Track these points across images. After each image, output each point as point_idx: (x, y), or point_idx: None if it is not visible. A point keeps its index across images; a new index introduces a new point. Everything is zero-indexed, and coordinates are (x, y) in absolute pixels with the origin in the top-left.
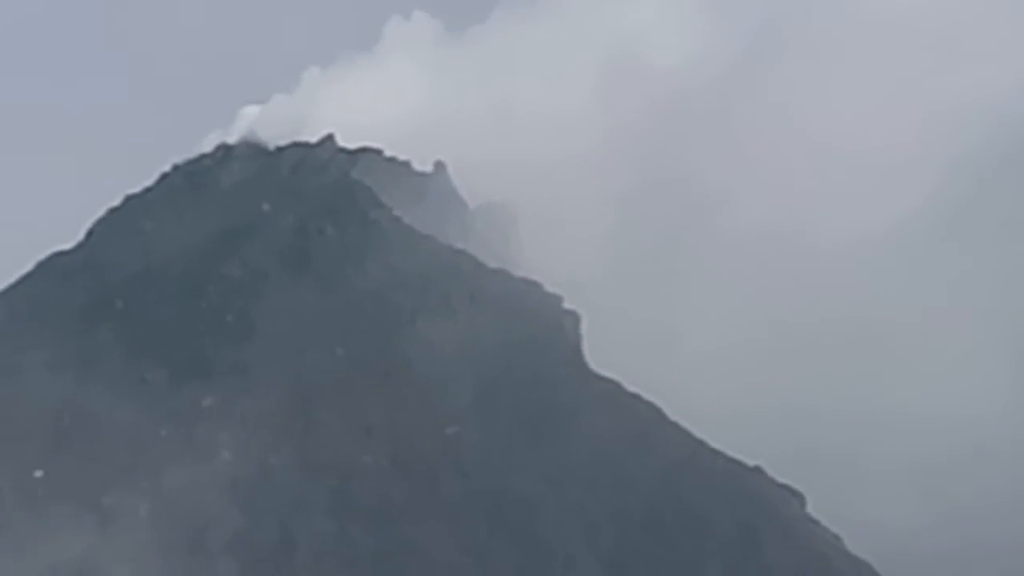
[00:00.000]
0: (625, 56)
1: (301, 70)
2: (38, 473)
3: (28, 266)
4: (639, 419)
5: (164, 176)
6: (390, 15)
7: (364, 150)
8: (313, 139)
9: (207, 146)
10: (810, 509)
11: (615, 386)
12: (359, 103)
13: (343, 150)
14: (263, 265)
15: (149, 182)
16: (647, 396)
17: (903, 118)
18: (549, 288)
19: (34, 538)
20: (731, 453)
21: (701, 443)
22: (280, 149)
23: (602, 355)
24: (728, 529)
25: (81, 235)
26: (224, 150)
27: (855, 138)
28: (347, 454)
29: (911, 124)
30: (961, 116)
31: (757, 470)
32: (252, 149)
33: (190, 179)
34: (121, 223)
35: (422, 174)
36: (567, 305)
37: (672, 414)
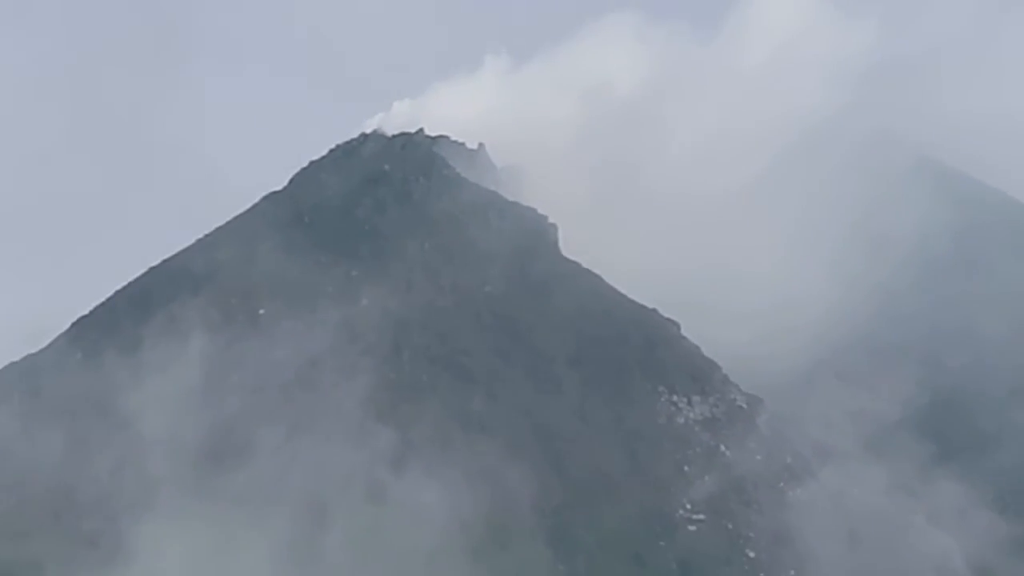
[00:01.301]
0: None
1: (427, 83)
2: None
3: (250, 203)
4: (590, 283)
5: (334, 148)
6: (484, 55)
7: (441, 136)
8: (413, 130)
9: (362, 129)
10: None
11: (575, 264)
12: (449, 109)
13: (429, 136)
14: (385, 200)
15: (328, 148)
16: (594, 270)
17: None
18: (541, 211)
19: None
20: (643, 303)
21: (627, 297)
22: (396, 136)
23: (569, 247)
24: (638, 342)
25: (286, 181)
26: (364, 136)
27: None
28: (409, 303)
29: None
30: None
31: (655, 311)
32: (379, 135)
33: (346, 150)
34: (307, 176)
35: (471, 149)
36: (551, 220)
37: (612, 282)
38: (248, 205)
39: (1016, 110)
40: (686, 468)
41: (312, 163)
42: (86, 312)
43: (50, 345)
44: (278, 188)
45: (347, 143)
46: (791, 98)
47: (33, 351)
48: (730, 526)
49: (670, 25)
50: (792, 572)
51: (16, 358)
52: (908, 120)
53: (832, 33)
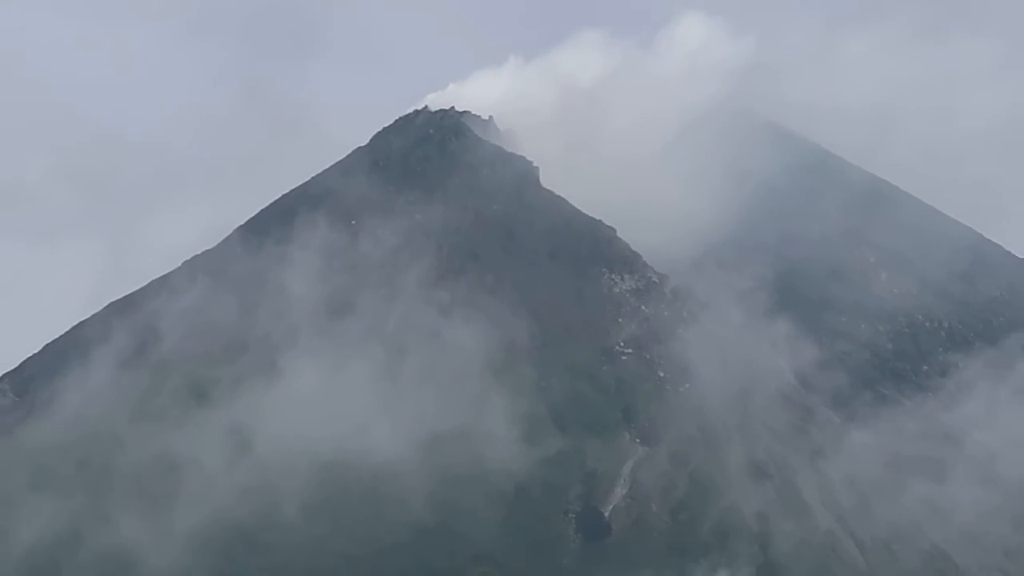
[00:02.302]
0: None
1: (467, 72)
2: None
3: (346, 153)
4: (559, 205)
5: (399, 118)
6: (508, 54)
7: (466, 112)
8: (447, 107)
9: (416, 106)
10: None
11: (550, 192)
12: (479, 92)
13: (458, 111)
14: (430, 153)
15: (395, 118)
16: (562, 196)
17: None
18: (529, 159)
19: None
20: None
21: (583, 212)
22: (436, 111)
23: (546, 182)
24: (589, 241)
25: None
26: (416, 111)
27: None
28: (446, 218)
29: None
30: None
31: (600, 221)
32: (427, 111)
33: (406, 120)
34: (381, 136)
35: (485, 120)
36: (535, 164)
37: (574, 204)
38: (345, 154)
39: (846, 96)
40: (620, 320)
41: (384, 128)
42: (246, 220)
43: (223, 241)
44: (363, 144)
45: (406, 115)
46: (694, 88)
47: (210, 247)
48: (647, 356)
49: (622, 38)
50: (687, 384)
51: (199, 252)
52: (770, 104)
53: (723, 43)
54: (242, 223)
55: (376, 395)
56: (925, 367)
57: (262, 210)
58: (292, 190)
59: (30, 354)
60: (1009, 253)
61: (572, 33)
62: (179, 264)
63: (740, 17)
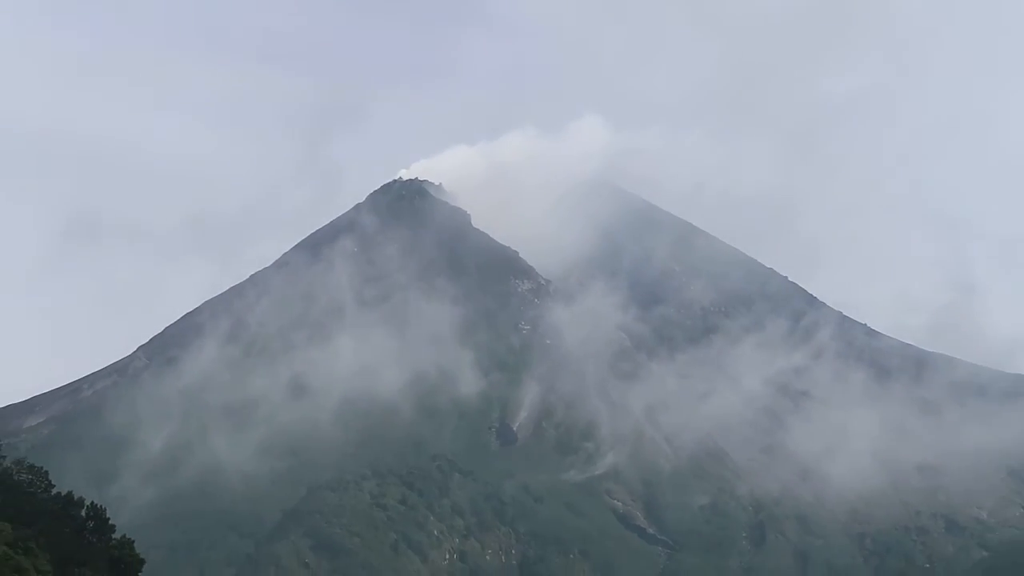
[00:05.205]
0: None
1: (431, 152)
2: None
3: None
4: (479, 235)
5: (385, 184)
6: (457, 143)
7: (426, 180)
8: (411, 177)
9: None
10: None
11: (477, 230)
12: (436, 166)
13: (420, 180)
14: (402, 206)
15: (381, 184)
16: (482, 229)
17: None
18: (465, 209)
19: None
20: (503, 243)
21: (495, 240)
22: (409, 180)
23: (475, 222)
24: (500, 258)
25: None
26: (394, 180)
27: None
28: (414, 243)
29: None
30: None
31: (507, 247)
32: (402, 180)
33: (387, 186)
34: (374, 195)
35: (437, 185)
36: (468, 212)
37: (489, 233)
38: (354, 204)
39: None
40: (522, 308)
41: (375, 190)
42: (300, 240)
43: (286, 253)
44: (361, 200)
45: (388, 183)
46: (578, 165)
47: (277, 258)
48: (539, 329)
49: (541, 130)
50: (563, 346)
51: (269, 264)
52: (625, 176)
53: (604, 136)
54: (298, 242)
55: (384, 352)
56: (706, 330)
57: (311, 234)
58: (330, 222)
59: (156, 332)
60: (763, 265)
61: (505, 129)
62: (256, 271)
63: (621, 119)
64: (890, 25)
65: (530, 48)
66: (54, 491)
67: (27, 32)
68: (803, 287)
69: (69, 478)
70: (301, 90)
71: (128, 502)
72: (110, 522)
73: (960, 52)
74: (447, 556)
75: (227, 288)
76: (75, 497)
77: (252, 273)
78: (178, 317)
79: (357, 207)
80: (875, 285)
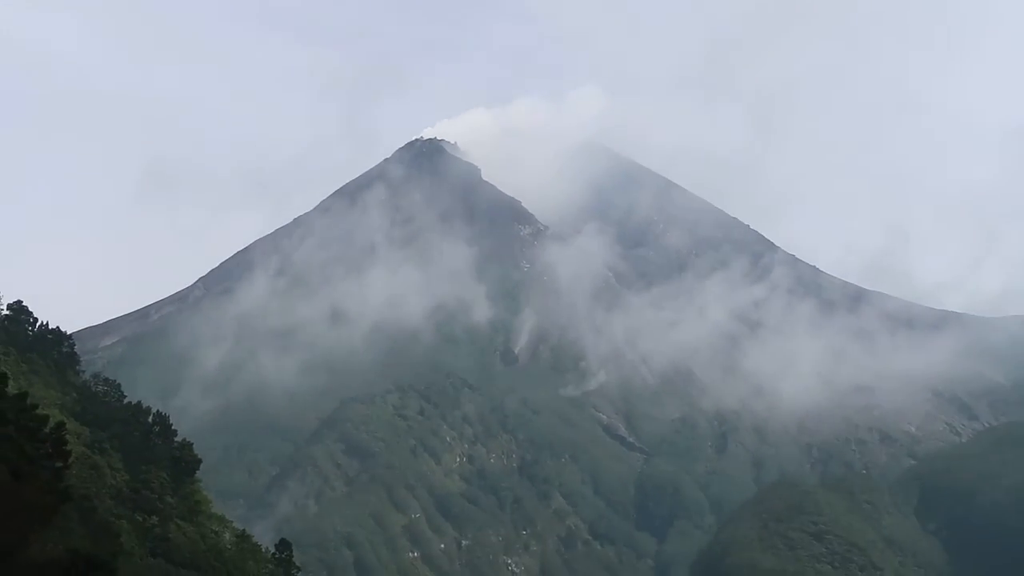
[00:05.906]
0: None
1: (452, 114)
2: None
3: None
4: (490, 188)
5: (410, 142)
6: (475, 106)
7: (443, 140)
8: (433, 135)
9: (419, 135)
10: None
11: (487, 183)
12: (453, 128)
13: (438, 139)
14: (422, 161)
15: (406, 141)
16: (492, 183)
17: None
18: (476, 164)
19: None
20: (511, 196)
21: (504, 193)
22: (429, 139)
23: (485, 175)
24: (507, 208)
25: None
26: (417, 139)
27: None
28: (430, 197)
29: None
30: None
31: (512, 197)
32: (424, 139)
33: (412, 144)
34: (400, 152)
35: (452, 144)
36: (479, 167)
37: (499, 187)
38: (384, 158)
39: (666, 137)
40: (523, 249)
41: (399, 148)
42: (339, 187)
43: (326, 199)
44: (388, 156)
45: (411, 141)
46: (577, 128)
47: (318, 203)
48: (538, 267)
49: (551, 100)
50: (557, 281)
51: (311, 208)
52: (617, 139)
53: (601, 102)
54: (336, 190)
55: (410, 285)
56: (679, 268)
57: (347, 183)
58: (363, 172)
59: (214, 267)
60: (729, 216)
61: (515, 96)
62: (300, 215)
63: (615, 89)
64: (843, 14)
65: (538, 27)
66: (125, 401)
67: (118, 8)
68: (763, 234)
69: (138, 390)
70: (342, 63)
71: (188, 411)
72: (173, 428)
73: (903, 36)
74: (458, 459)
75: (275, 229)
76: (143, 406)
77: (296, 216)
78: (232, 254)
79: (386, 160)
80: (824, 232)
